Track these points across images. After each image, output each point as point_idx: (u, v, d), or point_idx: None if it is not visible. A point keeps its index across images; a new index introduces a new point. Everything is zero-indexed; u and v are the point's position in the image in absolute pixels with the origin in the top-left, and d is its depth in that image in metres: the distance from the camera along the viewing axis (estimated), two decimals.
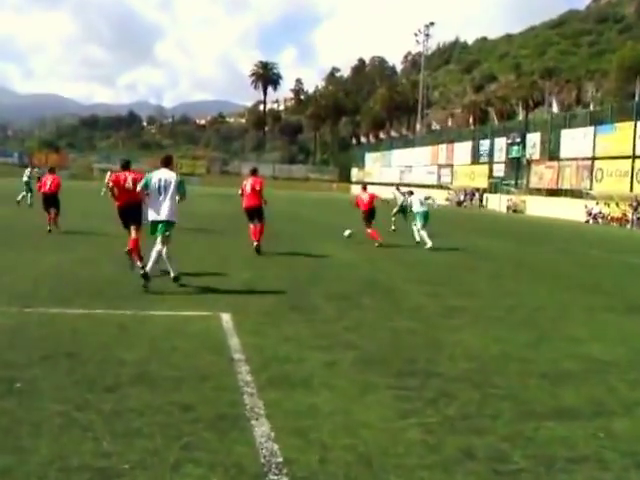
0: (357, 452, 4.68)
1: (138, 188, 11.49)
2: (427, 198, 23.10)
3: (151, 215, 11.20)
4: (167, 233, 11.14)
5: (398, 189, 29.28)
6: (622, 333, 9.29)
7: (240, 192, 17.07)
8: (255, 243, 16.51)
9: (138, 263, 11.47)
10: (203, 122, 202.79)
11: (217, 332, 8.09)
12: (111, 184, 13.17)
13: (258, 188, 16.66)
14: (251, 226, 16.92)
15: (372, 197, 21.19)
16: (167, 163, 11.56)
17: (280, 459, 4.51)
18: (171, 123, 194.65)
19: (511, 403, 5.92)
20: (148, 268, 10.78)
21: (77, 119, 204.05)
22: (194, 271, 12.85)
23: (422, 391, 6.11)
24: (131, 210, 12.61)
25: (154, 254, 10.97)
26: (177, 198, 11.24)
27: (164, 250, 11.08)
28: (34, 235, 18.49)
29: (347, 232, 21.09)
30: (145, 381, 6.02)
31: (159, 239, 11.09)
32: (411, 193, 23.66)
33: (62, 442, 4.63)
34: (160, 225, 11.10)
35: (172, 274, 11.18)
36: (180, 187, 11.20)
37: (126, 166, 13.33)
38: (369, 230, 20.64)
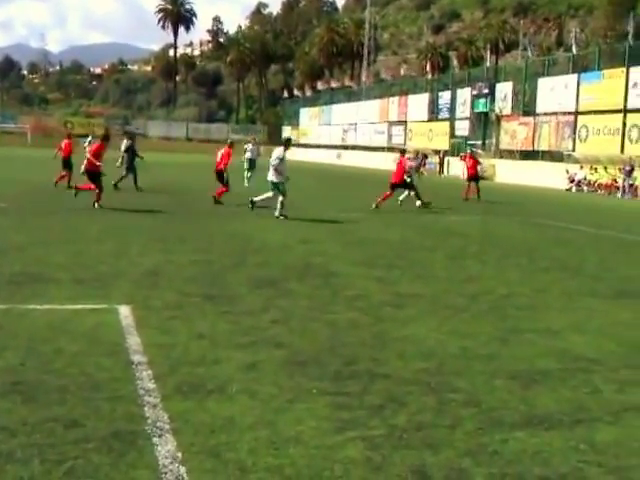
0: (283, 475, 4.65)
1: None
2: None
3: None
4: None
5: (255, 143, 36.73)
6: (608, 323, 9.45)
7: None
8: None
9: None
10: (99, 71, 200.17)
11: (113, 330, 8.00)
12: None
13: None
14: None
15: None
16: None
17: None
18: (59, 72, 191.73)
19: (473, 410, 5.96)
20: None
21: None
22: (86, 254, 12.80)
23: (365, 397, 6.13)
24: None
25: None
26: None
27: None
28: None
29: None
30: (19, 392, 5.90)
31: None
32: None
33: None
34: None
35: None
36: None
37: None
38: None
